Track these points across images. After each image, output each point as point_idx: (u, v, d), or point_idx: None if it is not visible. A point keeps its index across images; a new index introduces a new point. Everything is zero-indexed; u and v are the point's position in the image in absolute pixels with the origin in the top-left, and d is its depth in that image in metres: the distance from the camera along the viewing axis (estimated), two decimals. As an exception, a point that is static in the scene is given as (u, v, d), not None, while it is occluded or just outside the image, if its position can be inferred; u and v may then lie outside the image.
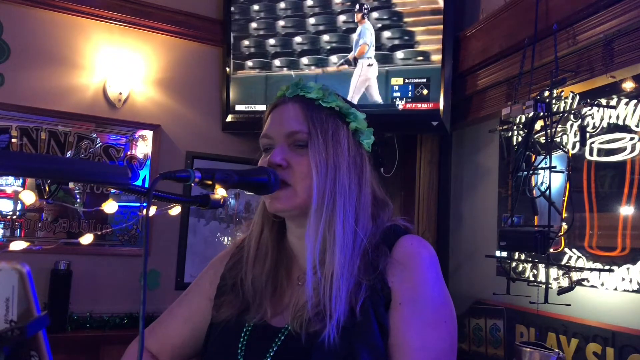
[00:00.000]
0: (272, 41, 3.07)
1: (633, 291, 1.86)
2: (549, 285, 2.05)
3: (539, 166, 2.10)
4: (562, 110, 2.08)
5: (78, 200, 3.01)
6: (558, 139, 2.14)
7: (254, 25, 3.11)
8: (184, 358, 1.12)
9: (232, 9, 3.14)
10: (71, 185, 2.99)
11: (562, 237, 2.10)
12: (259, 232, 1.05)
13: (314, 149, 0.95)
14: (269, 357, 0.92)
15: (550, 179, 2.05)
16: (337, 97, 1.02)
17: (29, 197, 2.52)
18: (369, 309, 0.90)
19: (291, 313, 0.95)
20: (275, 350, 0.93)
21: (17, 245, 2.49)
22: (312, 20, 2.99)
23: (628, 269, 1.89)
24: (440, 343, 0.91)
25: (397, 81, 2.82)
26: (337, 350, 0.86)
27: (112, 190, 3.00)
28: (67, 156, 2.93)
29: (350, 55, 2.90)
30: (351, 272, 0.92)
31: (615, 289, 1.92)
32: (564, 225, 2.06)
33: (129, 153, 3.11)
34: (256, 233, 1.05)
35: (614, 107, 1.98)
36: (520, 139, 2.29)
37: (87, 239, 2.67)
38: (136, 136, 3.13)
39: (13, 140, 2.84)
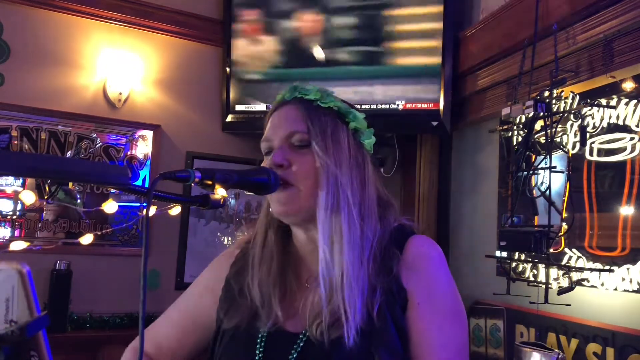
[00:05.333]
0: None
1: (633, 291, 1.86)
2: (549, 285, 2.05)
3: (539, 166, 2.10)
4: (562, 110, 2.08)
5: (78, 201, 3.01)
6: (558, 139, 2.14)
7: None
8: (184, 359, 1.11)
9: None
10: (71, 185, 2.99)
11: (562, 237, 2.10)
12: (263, 235, 1.04)
13: (316, 148, 0.95)
14: None
15: (550, 179, 2.05)
16: (335, 98, 1.03)
17: (29, 197, 2.52)
18: (386, 313, 0.90)
19: (309, 319, 0.94)
20: (295, 357, 0.92)
21: (17, 245, 2.49)
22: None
23: (628, 269, 1.89)
24: (458, 338, 0.94)
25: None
26: (357, 355, 0.87)
27: (112, 190, 3.00)
28: (67, 156, 2.93)
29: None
30: (362, 272, 0.92)
31: (615, 289, 1.92)
32: (564, 225, 2.06)
33: (129, 153, 3.11)
34: (260, 237, 1.05)
35: (614, 107, 1.98)
36: (520, 139, 2.29)
37: (87, 239, 2.67)
38: (136, 136, 3.13)
39: (13, 140, 2.84)
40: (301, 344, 0.92)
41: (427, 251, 0.98)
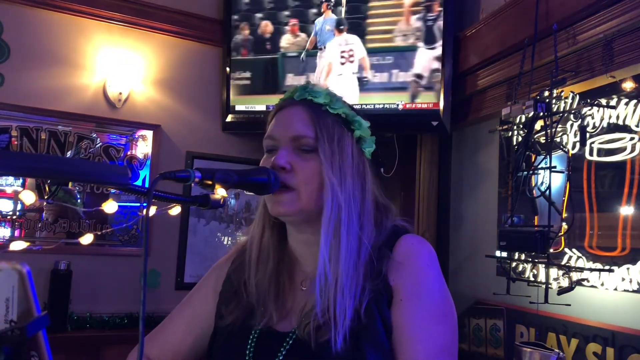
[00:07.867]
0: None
1: (633, 291, 1.86)
2: (549, 285, 2.05)
3: (539, 166, 2.10)
4: (562, 110, 2.08)
5: (78, 201, 3.01)
6: (558, 139, 2.13)
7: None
8: None
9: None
10: (71, 185, 2.99)
11: (562, 237, 2.10)
12: (260, 235, 1.05)
13: (322, 155, 0.95)
14: None
15: (550, 179, 2.05)
16: (343, 103, 1.02)
17: (29, 197, 2.52)
18: (374, 310, 0.91)
19: (298, 319, 0.95)
20: (284, 354, 0.93)
21: (17, 245, 2.49)
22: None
23: (628, 269, 1.88)
24: (442, 338, 0.92)
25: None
26: (345, 354, 0.87)
27: (112, 190, 3.00)
28: (67, 156, 2.93)
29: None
30: (356, 280, 0.92)
31: (615, 289, 1.92)
32: (564, 225, 2.06)
33: (129, 153, 3.11)
34: (257, 236, 1.05)
35: (614, 107, 1.98)
36: (520, 139, 2.29)
37: (87, 239, 2.67)
38: (136, 136, 3.13)
39: (13, 140, 2.84)
40: (290, 342, 0.94)
41: (417, 249, 0.97)
